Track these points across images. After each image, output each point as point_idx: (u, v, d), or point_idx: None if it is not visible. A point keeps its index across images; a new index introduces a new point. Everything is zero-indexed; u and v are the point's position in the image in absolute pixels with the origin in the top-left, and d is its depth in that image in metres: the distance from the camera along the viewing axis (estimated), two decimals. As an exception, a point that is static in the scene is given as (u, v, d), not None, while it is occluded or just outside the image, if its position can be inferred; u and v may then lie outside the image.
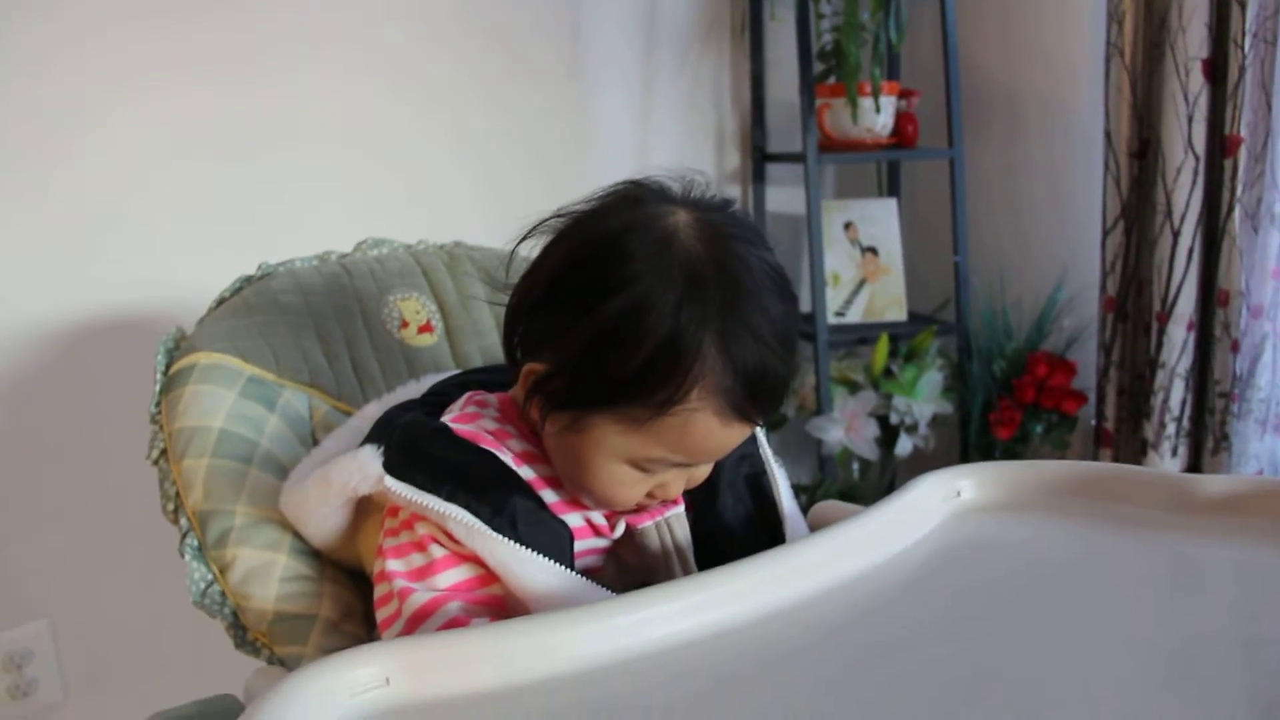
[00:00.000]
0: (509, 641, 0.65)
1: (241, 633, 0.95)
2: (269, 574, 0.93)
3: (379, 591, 0.86)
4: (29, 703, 1.59)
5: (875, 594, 0.73)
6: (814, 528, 1.01)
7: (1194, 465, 1.99)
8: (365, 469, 0.84)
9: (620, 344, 0.79)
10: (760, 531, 0.93)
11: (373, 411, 0.97)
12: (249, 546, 0.94)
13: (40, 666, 1.60)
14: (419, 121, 1.87)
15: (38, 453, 1.57)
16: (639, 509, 0.89)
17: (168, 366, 1.02)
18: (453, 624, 0.80)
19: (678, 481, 0.86)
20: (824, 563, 0.75)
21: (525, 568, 0.80)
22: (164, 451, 0.99)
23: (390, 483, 0.83)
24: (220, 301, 1.09)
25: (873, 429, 2.13)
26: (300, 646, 0.92)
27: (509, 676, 0.64)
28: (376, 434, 0.88)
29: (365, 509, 0.92)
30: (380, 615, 0.85)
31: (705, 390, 0.79)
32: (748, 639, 0.68)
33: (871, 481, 2.24)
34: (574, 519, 0.87)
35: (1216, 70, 1.85)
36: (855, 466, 2.22)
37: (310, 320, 1.08)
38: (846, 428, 2.11)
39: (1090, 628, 0.67)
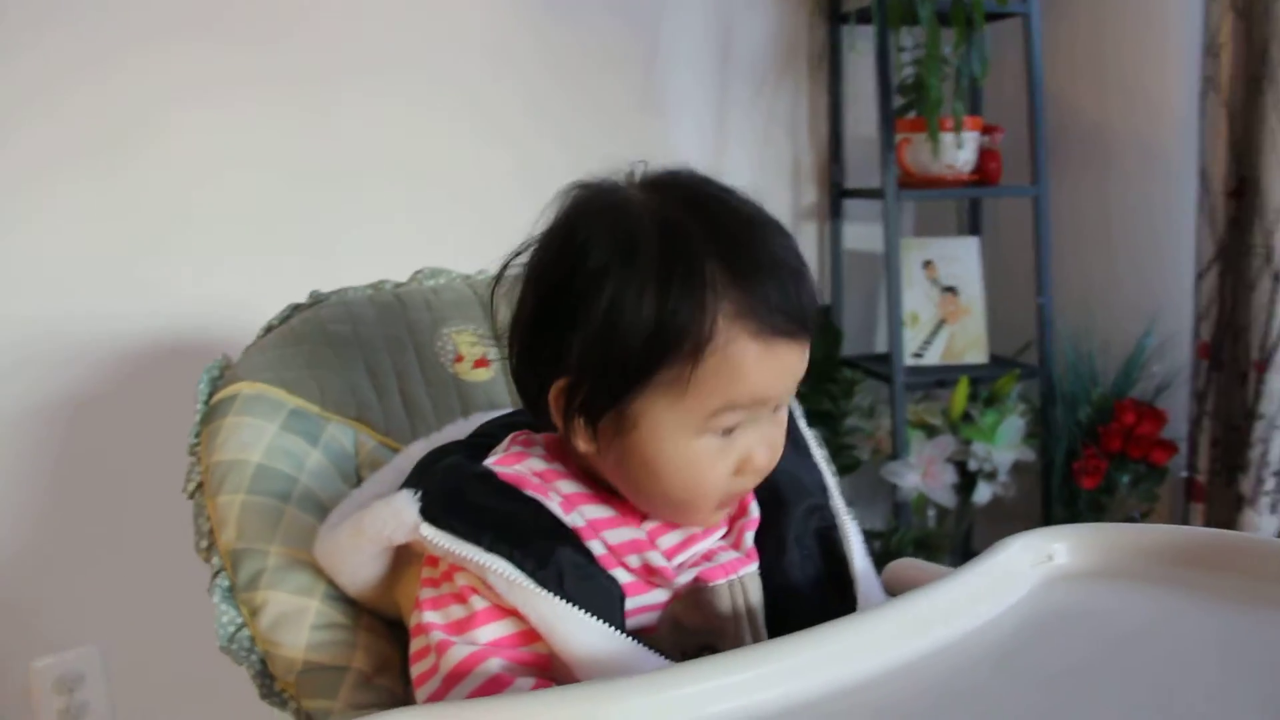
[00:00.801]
0: (549, 713, 0.59)
1: (269, 682, 0.90)
2: (300, 620, 0.88)
3: (415, 645, 0.80)
4: (78, 728, 1.58)
5: (955, 671, 0.66)
6: (890, 588, 0.93)
7: (1294, 523, 1.89)
8: (400, 516, 0.78)
9: (625, 308, 0.74)
10: (830, 592, 0.86)
11: (418, 450, 0.92)
12: (281, 590, 0.89)
13: (91, 690, 1.59)
14: (487, 152, 1.84)
15: (93, 478, 1.56)
16: (729, 503, 0.82)
17: (210, 396, 0.99)
18: (493, 683, 0.74)
19: (759, 446, 0.79)
20: (899, 635, 0.68)
21: (570, 627, 0.74)
22: (200, 485, 0.95)
23: (427, 531, 0.77)
24: (268, 329, 1.06)
25: (950, 475, 2.05)
26: (329, 701, 0.87)
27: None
28: (415, 478, 0.83)
29: (405, 557, 0.86)
30: (415, 670, 0.79)
31: (729, 317, 0.74)
32: (811, 719, 0.61)
33: (948, 530, 2.16)
34: (622, 574, 0.80)
35: (1323, 106, 1.77)
36: (931, 514, 2.14)
37: (359, 351, 1.04)
38: (923, 473, 2.04)
39: (1197, 715, 0.60)
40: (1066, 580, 0.78)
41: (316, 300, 1.09)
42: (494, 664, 0.75)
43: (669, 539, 0.83)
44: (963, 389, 2.07)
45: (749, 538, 0.86)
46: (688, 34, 2.07)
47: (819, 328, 2.08)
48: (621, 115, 2.00)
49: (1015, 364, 2.18)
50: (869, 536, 2.08)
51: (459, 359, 1.09)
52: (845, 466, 2.16)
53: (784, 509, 0.87)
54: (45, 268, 1.51)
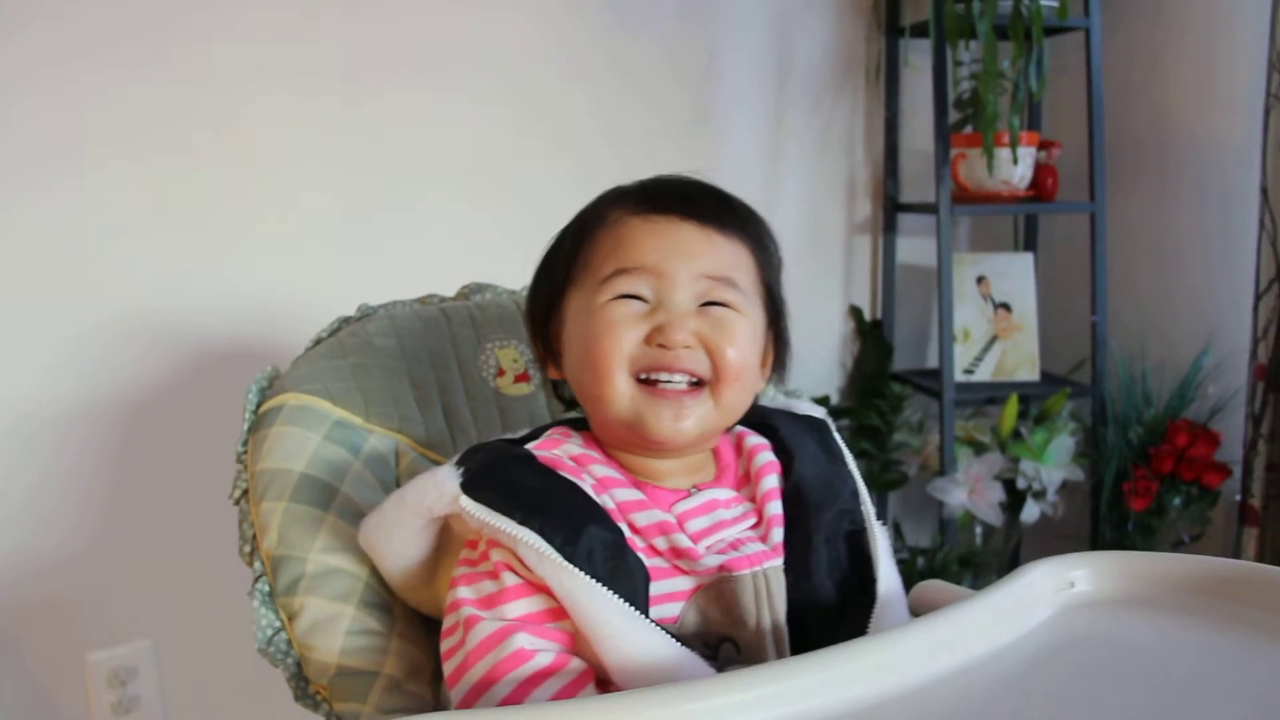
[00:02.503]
0: (565, 724, 0.61)
1: (303, 684, 0.93)
2: (336, 626, 0.91)
3: (447, 623, 0.83)
4: (131, 719, 1.62)
5: (971, 694, 0.67)
6: (915, 609, 0.94)
7: (1349, 552, 1.85)
8: (442, 487, 0.82)
9: (554, 241, 0.94)
10: (853, 594, 0.87)
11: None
12: (318, 596, 0.92)
13: (143, 684, 1.63)
14: (542, 162, 1.87)
15: (155, 473, 1.61)
16: (658, 384, 0.84)
17: (258, 405, 1.02)
18: (517, 656, 0.77)
19: (674, 320, 0.83)
20: (918, 656, 0.69)
21: (595, 603, 0.77)
22: (245, 492, 0.98)
23: (465, 502, 0.80)
24: (317, 341, 1.09)
25: (998, 493, 2.04)
26: (359, 704, 0.89)
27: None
28: (460, 459, 0.86)
29: (446, 548, 0.89)
30: (444, 646, 0.83)
31: (618, 207, 0.88)
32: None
33: (994, 548, 2.15)
34: (646, 559, 0.83)
35: (1387, 127, 1.74)
36: (978, 531, 2.13)
37: (404, 364, 1.07)
38: (970, 490, 2.03)
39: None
40: (1087, 607, 0.78)
41: (364, 314, 1.12)
42: (521, 638, 0.78)
43: (697, 523, 0.86)
44: (1012, 406, 2.06)
45: (776, 533, 0.88)
46: (747, 46, 2.09)
47: (871, 335, 2.06)
48: (679, 125, 2.02)
49: (1067, 382, 2.17)
50: (915, 553, 2.09)
51: (501, 373, 1.12)
52: (892, 482, 2.15)
53: (815, 511, 0.89)
54: (111, 275, 1.55)
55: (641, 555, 0.82)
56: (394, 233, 1.74)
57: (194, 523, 1.60)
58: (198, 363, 1.61)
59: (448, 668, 0.81)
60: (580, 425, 0.92)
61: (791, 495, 0.90)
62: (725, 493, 0.90)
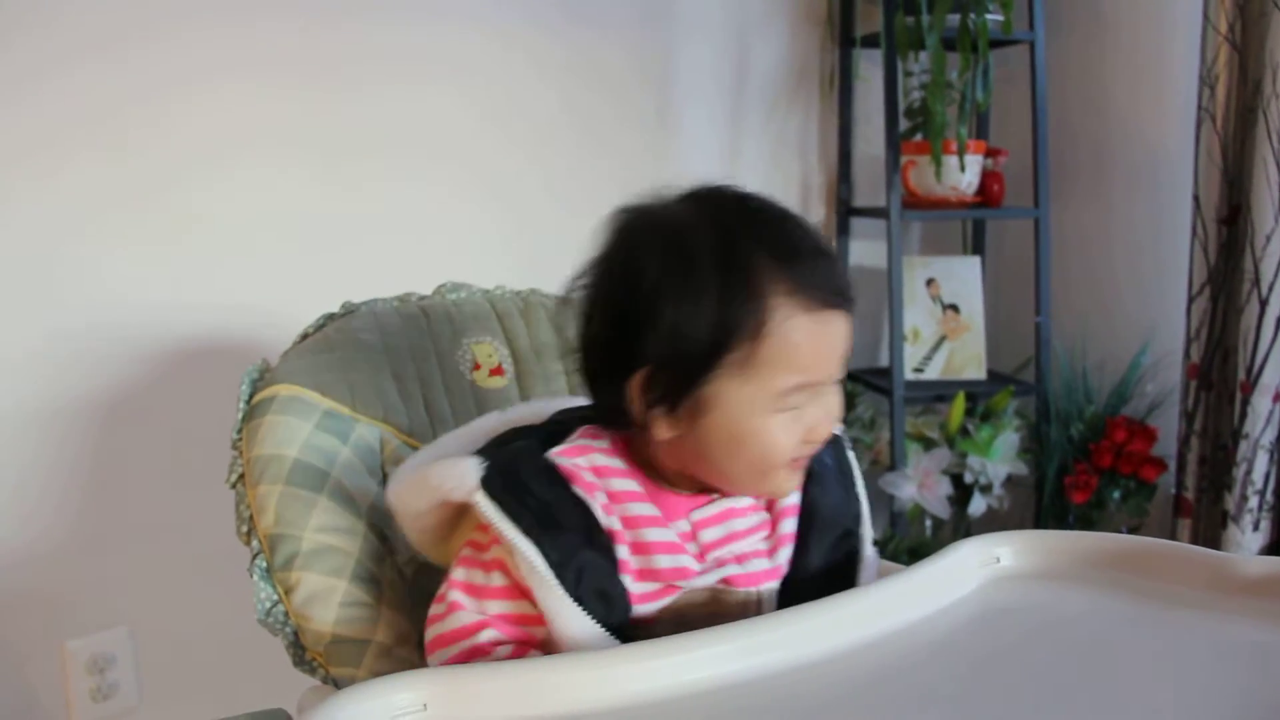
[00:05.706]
0: (545, 678, 0.69)
1: (300, 652, 1.00)
2: (330, 598, 0.98)
3: (441, 590, 0.89)
4: (109, 705, 1.67)
5: (903, 654, 0.75)
6: (859, 586, 1.02)
7: (1276, 540, 1.95)
8: (464, 478, 0.85)
9: (690, 313, 0.82)
10: None
11: (492, 422, 0.98)
12: (313, 571, 0.99)
13: (121, 671, 1.67)
14: (505, 177, 1.94)
15: (131, 467, 1.65)
16: (797, 467, 0.88)
17: (251, 396, 1.08)
18: (480, 649, 0.84)
19: (823, 417, 0.86)
20: (855, 620, 0.77)
21: (570, 623, 0.82)
22: (241, 476, 1.05)
23: (479, 498, 0.84)
24: (304, 336, 1.15)
25: (946, 487, 2.12)
26: (353, 669, 0.97)
27: (542, 710, 0.68)
28: (488, 449, 0.90)
29: (466, 518, 0.92)
30: (431, 611, 0.89)
31: (781, 296, 0.82)
32: (770, 690, 0.70)
33: (943, 540, 2.23)
34: (632, 582, 0.87)
35: (1310, 138, 1.84)
36: (928, 524, 2.21)
37: (387, 359, 1.14)
38: (919, 484, 2.11)
39: (1109, 702, 0.68)
40: (1010, 580, 0.87)
41: (348, 310, 1.19)
42: (488, 633, 0.85)
43: (711, 533, 0.90)
44: (960, 404, 2.14)
45: (784, 553, 0.93)
46: (706, 53, 2.15)
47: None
48: (638, 136, 2.08)
49: (1012, 381, 2.25)
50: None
51: (476, 367, 1.19)
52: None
53: (820, 532, 0.94)
54: (96, 274, 1.60)
55: (629, 578, 0.86)
56: (369, 233, 1.79)
57: (168, 513, 1.65)
58: (174, 359, 1.66)
59: (428, 634, 0.88)
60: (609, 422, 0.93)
61: (805, 510, 0.95)
62: (743, 501, 0.93)
